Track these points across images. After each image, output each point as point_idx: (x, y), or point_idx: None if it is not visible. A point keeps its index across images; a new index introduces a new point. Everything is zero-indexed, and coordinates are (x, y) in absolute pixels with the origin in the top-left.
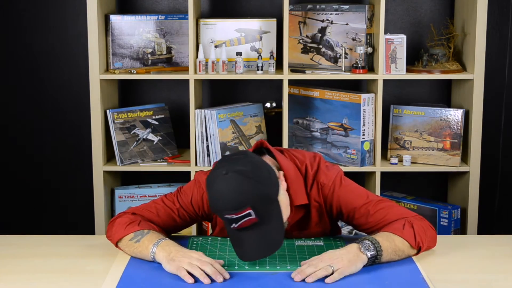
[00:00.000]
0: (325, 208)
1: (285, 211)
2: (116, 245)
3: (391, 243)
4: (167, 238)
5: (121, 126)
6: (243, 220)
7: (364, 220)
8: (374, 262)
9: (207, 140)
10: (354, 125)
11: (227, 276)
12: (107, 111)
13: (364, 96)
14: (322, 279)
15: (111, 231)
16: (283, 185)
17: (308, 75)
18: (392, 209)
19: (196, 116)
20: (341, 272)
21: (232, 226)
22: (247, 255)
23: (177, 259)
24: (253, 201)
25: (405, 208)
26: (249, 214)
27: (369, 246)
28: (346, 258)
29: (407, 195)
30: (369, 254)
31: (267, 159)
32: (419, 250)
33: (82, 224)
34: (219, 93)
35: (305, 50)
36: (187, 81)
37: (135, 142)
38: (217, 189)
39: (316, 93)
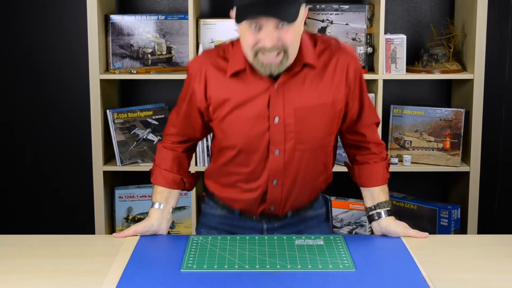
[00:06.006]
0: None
1: (298, 34)
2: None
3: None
4: (156, 208)
5: (121, 126)
6: None
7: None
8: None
9: (207, 140)
10: None
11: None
12: (107, 111)
13: None
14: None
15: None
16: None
17: None
18: (375, 134)
19: None
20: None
21: None
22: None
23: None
24: None
25: (376, 134)
26: None
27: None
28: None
29: (407, 195)
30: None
31: None
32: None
33: (82, 224)
34: None
35: None
36: None
37: (135, 142)
38: None
39: None
